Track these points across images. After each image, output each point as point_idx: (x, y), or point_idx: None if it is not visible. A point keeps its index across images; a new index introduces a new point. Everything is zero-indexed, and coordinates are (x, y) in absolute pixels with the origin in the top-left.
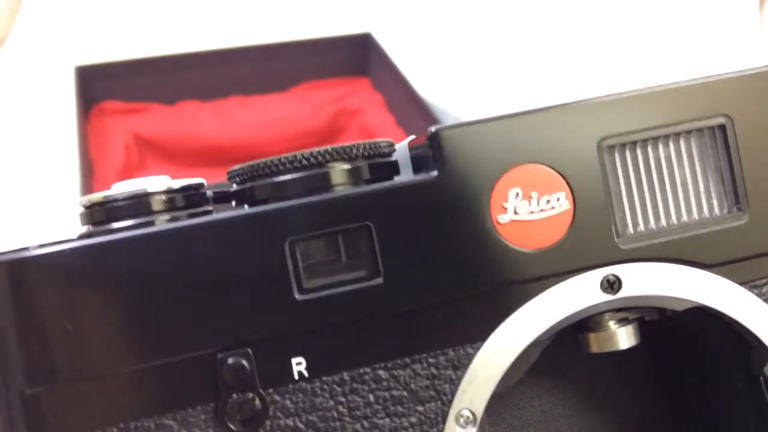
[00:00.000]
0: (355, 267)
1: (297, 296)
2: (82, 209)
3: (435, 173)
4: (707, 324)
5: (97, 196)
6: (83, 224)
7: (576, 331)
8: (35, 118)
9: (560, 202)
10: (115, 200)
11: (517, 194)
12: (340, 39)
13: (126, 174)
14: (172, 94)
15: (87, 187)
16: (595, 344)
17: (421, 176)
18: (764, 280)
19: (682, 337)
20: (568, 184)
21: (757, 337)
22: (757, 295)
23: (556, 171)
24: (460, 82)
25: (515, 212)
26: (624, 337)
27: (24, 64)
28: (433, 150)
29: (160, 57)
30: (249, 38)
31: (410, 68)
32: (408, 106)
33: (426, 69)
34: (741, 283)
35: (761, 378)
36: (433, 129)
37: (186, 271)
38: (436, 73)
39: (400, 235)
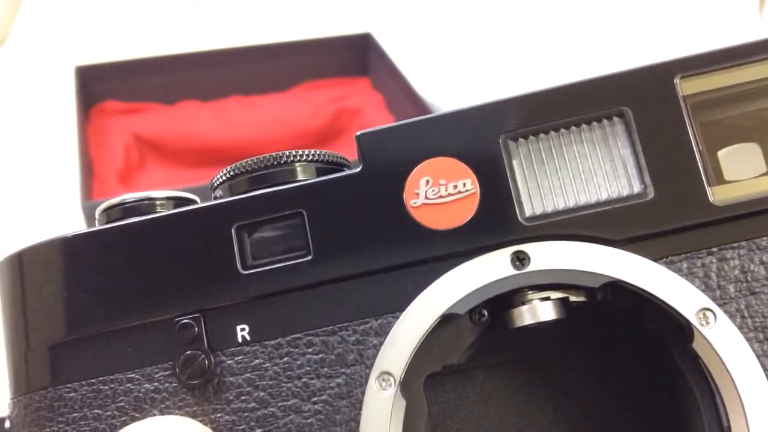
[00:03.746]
0: (290, 246)
1: (241, 271)
2: (97, 214)
3: (359, 169)
4: (642, 306)
5: (113, 200)
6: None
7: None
8: (35, 118)
9: (466, 187)
10: (123, 204)
11: (428, 182)
12: (340, 39)
13: (126, 174)
14: (172, 94)
15: (87, 186)
16: (517, 318)
17: (349, 171)
18: (681, 256)
19: (625, 322)
20: (473, 171)
21: (674, 309)
22: (674, 270)
23: (463, 162)
24: (460, 82)
25: (426, 197)
26: (543, 311)
27: (24, 64)
28: (358, 149)
29: (160, 57)
30: (249, 38)
31: (410, 68)
32: (408, 106)
33: (426, 69)
34: (655, 259)
35: (699, 359)
36: (358, 133)
37: (154, 253)
38: (436, 73)
39: (329, 219)
